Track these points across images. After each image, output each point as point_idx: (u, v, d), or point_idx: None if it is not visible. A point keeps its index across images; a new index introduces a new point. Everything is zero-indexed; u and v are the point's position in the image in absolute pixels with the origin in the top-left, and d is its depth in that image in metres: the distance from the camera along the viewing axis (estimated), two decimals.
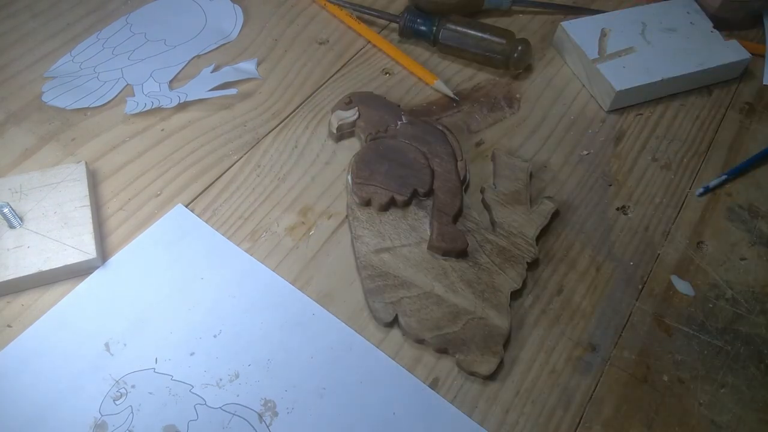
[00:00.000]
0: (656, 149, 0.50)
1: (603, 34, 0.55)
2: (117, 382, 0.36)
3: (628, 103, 0.53)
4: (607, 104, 0.52)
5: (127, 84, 0.51)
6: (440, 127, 0.47)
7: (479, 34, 0.53)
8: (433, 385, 0.37)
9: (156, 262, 0.41)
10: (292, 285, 0.40)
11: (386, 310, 0.39)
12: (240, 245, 0.42)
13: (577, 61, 0.54)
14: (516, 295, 0.41)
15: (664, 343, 0.40)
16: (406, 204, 0.43)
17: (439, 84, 0.52)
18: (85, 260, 0.39)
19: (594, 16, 0.57)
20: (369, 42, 0.56)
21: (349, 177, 0.44)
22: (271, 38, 0.56)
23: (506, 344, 0.39)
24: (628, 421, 0.37)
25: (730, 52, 0.54)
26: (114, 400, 0.35)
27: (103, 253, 0.41)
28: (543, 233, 0.44)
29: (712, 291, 0.42)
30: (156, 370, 0.36)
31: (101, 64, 0.52)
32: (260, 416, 0.35)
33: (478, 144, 0.49)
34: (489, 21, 0.57)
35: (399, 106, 0.48)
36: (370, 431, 0.35)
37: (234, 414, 0.35)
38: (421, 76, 0.53)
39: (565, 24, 0.55)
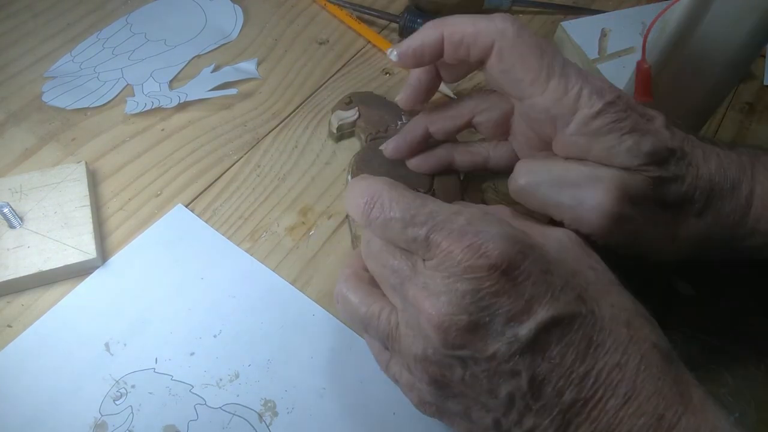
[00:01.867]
0: None
1: (603, 34, 0.55)
2: (117, 382, 0.36)
3: None
4: None
5: (127, 84, 0.51)
6: None
7: None
8: None
9: (156, 262, 0.41)
10: (292, 285, 0.40)
11: None
12: (240, 245, 0.42)
13: (578, 61, 0.54)
14: None
15: None
16: None
17: None
18: (85, 260, 0.39)
19: (594, 16, 0.57)
20: (369, 42, 0.56)
21: (349, 177, 0.44)
22: (271, 38, 0.56)
23: None
24: None
25: None
26: (114, 400, 0.35)
27: (103, 253, 0.41)
28: None
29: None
30: (156, 370, 0.36)
31: (101, 64, 0.52)
32: (260, 416, 0.35)
33: None
34: None
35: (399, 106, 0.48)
36: (370, 431, 0.35)
37: (234, 414, 0.35)
38: None
39: (565, 24, 0.55)
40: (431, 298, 0.27)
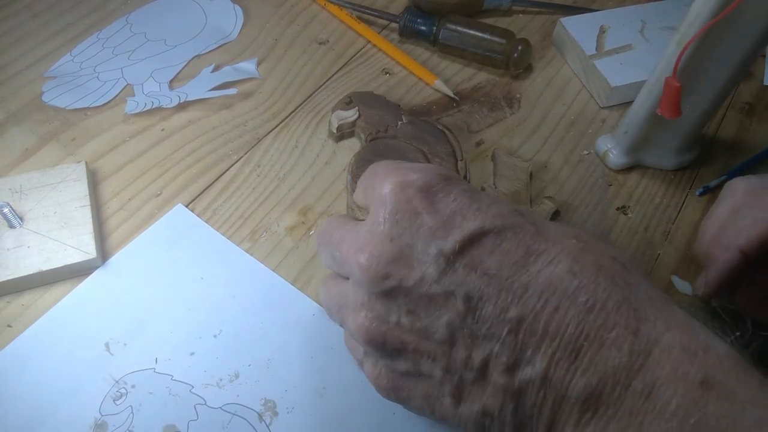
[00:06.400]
0: None
1: (602, 31, 0.55)
2: (117, 382, 0.36)
3: (625, 100, 0.52)
4: (603, 100, 0.52)
5: (127, 84, 0.51)
6: (440, 127, 0.47)
7: (479, 34, 0.53)
8: None
9: (156, 262, 0.41)
10: (292, 285, 0.40)
11: None
12: (240, 245, 0.42)
13: (576, 58, 0.54)
14: None
15: None
16: None
17: (439, 84, 0.52)
18: (85, 260, 0.39)
19: (594, 13, 0.57)
20: (369, 42, 0.56)
21: (349, 177, 0.44)
22: (271, 38, 0.56)
23: None
24: None
25: None
26: (114, 400, 0.35)
27: (103, 253, 0.41)
28: None
29: None
30: (156, 370, 0.36)
31: (101, 64, 0.52)
32: (260, 416, 0.35)
33: (478, 144, 0.49)
34: (489, 21, 0.57)
35: (399, 106, 0.48)
36: (370, 431, 0.35)
37: (234, 414, 0.35)
38: (421, 76, 0.53)
39: (564, 20, 0.55)
40: (355, 238, 0.28)
